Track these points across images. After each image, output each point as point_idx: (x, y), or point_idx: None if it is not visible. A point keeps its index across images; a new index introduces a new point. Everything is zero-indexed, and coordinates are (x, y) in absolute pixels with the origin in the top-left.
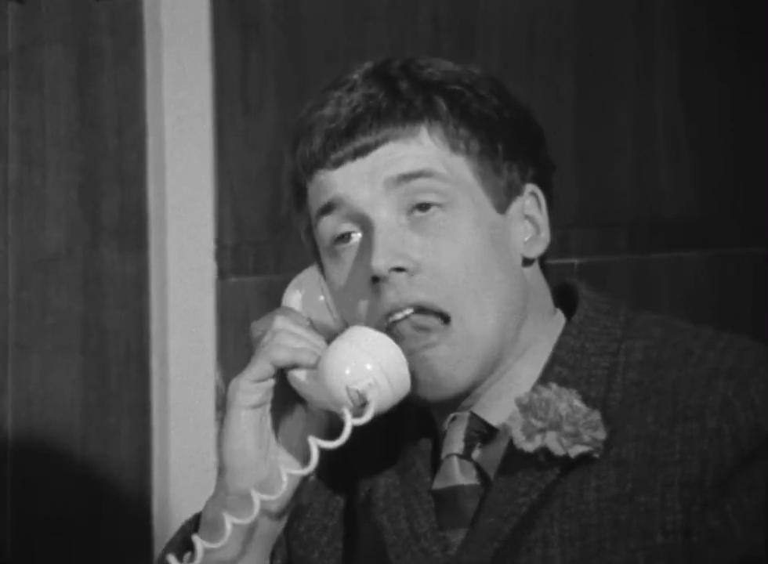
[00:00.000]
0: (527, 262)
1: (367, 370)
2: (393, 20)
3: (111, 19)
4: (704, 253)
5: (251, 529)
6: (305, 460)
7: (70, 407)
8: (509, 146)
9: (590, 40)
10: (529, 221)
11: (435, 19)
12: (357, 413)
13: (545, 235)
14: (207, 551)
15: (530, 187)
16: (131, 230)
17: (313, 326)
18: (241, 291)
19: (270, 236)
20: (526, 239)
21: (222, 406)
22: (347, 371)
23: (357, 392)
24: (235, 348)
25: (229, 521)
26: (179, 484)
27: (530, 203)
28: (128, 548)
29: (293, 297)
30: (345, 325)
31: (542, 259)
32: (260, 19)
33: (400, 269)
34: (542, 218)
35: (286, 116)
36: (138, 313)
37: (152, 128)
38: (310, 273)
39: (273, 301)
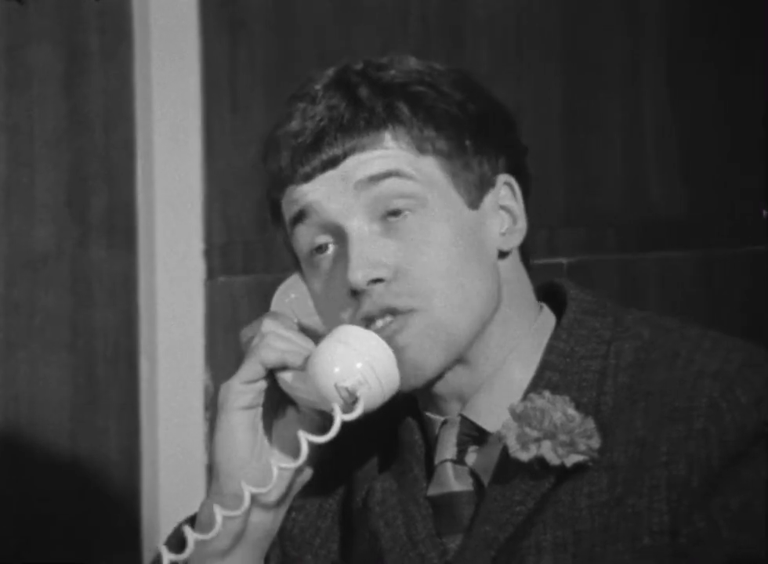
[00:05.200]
0: (503, 254)
1: (355, 367)
2: (382, 20)
3: (100, 17)
4: (692, 253)
5: (245, 530)
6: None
7: (59, 406)
8: (477, 141)
9: (578, 40)
10: (505, 211)
11: (424, 20)
12: (347, 410)
13: (522, 225)
14: (197, 543)
15: (504, 177)
16: (119, 229)
17: (303, 329)
18: (230, 291)
19: (259, 236)
20: (502, 230)
21: (212, 406)
22: (336, 369)
23: (347, 389)
24: (224, 348)
25: (219, 513)
26: (168, 483)
27: (505, 193)
28: (117, 547)
29: (281, 301)
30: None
31: (525, 254)
32: (249, 18)
33: (377, 280)
34: (518, 207)
35: (275, 115)
36: (126, 312)
37: (140, 127)
38: (297, 278)
39: (262, 300)
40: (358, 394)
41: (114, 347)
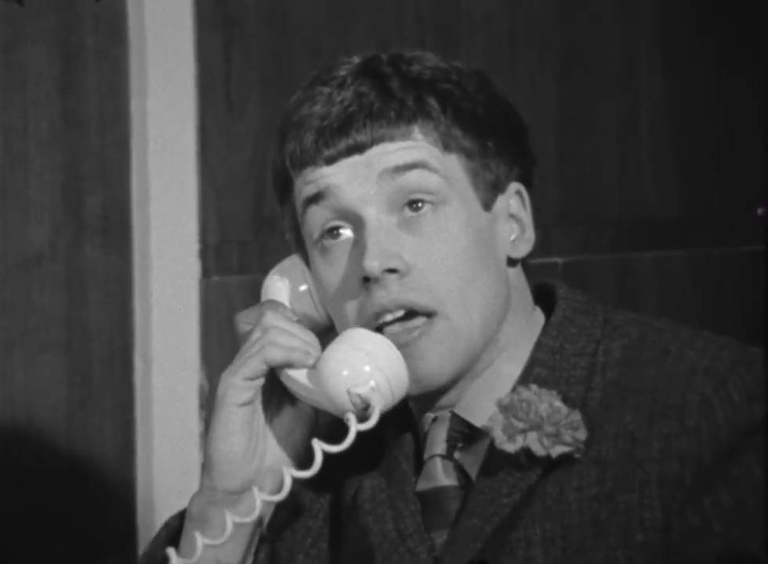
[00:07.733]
0: (511, 262)
1: (368, 373)
2: (377, 18)
3: (95, 17)
4: (687, 252)
5: (239, 525)
6: (293, 455)
7: (54, 406)
8: (498, 143)
9: (574, 39)
10: (514, 220)
11: (419, 17)
12: (359, 416)
13: (530, 234)
14: (206, 547)
15: (515, 186)
16: (114, 229)
17: (299, 316)
18: (225, 290)
19: (254, 235)
20: (512, 238)
21: (207, 404)
22: (348, 375)
23: (359, 396)
24: (219, 347)
25: (230, 519)
26: (163, 483)
27: (514, 202)
28: (113, 546)
29: (274, 286)
30: (329, 317)
31: (524, 258)
32: (244, 17)
33: (392, 270)
34: (527, 217)
35: (270, 114)
36: (121, 312)
37: (135, 127)
38: (292, 262)
39: (256, 300)
40: (372, 402)
41: (109, 346)
